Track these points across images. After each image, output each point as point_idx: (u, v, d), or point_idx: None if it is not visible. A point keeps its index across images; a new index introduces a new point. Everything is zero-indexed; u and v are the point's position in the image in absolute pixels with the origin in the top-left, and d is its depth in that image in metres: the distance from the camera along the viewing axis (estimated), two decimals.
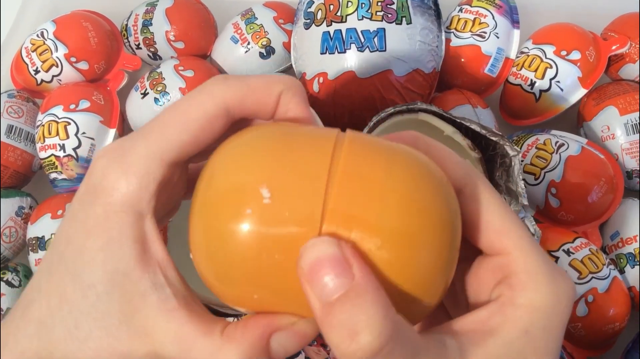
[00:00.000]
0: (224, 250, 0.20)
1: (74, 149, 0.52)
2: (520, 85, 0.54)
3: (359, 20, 0.49)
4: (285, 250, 0.20)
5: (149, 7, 0.58)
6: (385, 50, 0.49)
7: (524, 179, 0.42)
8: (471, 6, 0.55)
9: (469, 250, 0.24)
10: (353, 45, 0.49)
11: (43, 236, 0.49)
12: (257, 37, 0.56)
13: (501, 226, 0.23)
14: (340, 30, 0.49)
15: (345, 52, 0.49)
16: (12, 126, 0.54)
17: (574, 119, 0.56)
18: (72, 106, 0.52)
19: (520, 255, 0.22)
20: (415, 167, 0.21)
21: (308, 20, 0.52)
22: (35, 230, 0.50)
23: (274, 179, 0.20)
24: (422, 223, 0.20)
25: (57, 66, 0.55)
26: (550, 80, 0.52)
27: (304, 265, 0.19)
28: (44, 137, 0.52)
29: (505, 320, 0.22)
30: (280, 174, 0.20)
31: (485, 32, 0.53)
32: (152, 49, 0.58)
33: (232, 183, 0.21)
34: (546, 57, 0.53)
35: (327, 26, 0.50)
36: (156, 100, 0.53)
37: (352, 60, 0.49)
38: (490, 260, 0.23)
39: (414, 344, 0.20)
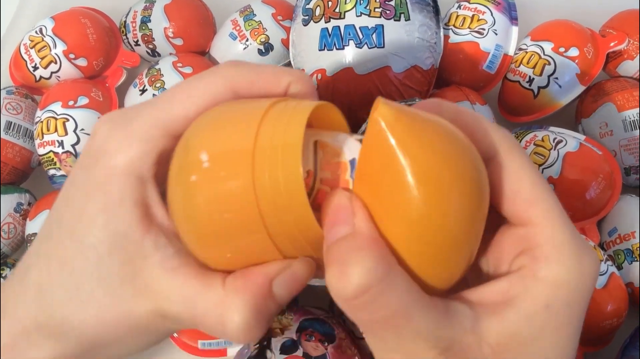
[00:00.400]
0: (185, 216, 0.22)
1: (73, 146, 0.52)
2: (518, 81, 0.54)
3: (357, 16, 0.49)
4: (232, 207, 0.21)
5: (148, 4, 0.58)
6: (383, 47, 0.49)
7: None
8: (469, 3, 0.55)
9: (492, 221, 0.23)
10: (351, 42, 0.49)
11: None
12: (256, 33, 0.56)
13: (530, 196, 0.22)
14: (339, 26, 0.50)
15: (343, 48, 0.49)
16: (11, 122, 0.54)
17: (572, 116, 0.56)
18: (71, 102, 0.53)
19: (547, 226, 0.21)
20: (442, 135, 0.20)
21: (306, 17, 0.52)
22: (34, 226, 0.50)
23: (211, 145, 0.21)
24: (451, 184, 0.20)
25: (55, 63, 0.55)
26: (549, 76, 0.52)
27: (322, 212, 0.21)
28: (42, 134, 0.52)
29: (525, 292, 0.21)
30: (216, 140, 0.21)
31: (483, 29, 0.53)
32: (150, 46, 0.58)
33: (182, 153, 0.22)
34: (544, 54, 0.53)
35: (326, 22, 0.50)
36: (155, 96, 0.53)
37: (350, 56, 0.49)
38: (514, 230, 0.23)
39: (414, 298, 0.20)
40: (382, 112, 0.20)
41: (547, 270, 0.21)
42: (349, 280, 0.19)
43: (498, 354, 0.20)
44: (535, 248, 0.21)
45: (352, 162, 0.22)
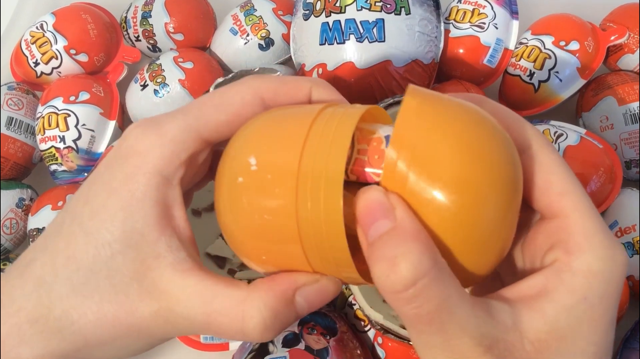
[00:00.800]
0: (228, 212, 0.22)
1: (74, 141, 0.52)
2: (519, 75, 0.54)
3: (357, 10, 0.49)
4: (272, 210, 0.21)
5: None
6: (384, 41, 0.49)
7: None
8: None
9: (524, 219, 0.24)
10: (352, 36, 0.49)
11: (44, 228, 0.49)
12: (256, 28, 0.56)
13: (562, 188, 0.22)
14: (339, 21, 0.50)
15: (344, 42, 0.49)
16: (12, 118, 0.54)
17: (573, 109, 0.56)
18: (72, 98, 0.53)
19: (579, 217, 0.22)
20: (478, 122, 0.21)
21: (307, 11, 0.52)
22: (35, 221, 0.50)
23: (259, 151, 0.22)
24: (486, 174, 0.20)
25: (56, 58, 0.56)
26: (549, 70, 0.52)
27: (357, 210, 0.21)
28: (44, 129, 0.52)
29: (562, 285, 0.21)
30: (264, 146, 0.22)
31: (484, 23, 0.53)
32: (151, 41, 0.58)
33: (232, 152, 0.23)
34: (545, 48, 0.53)
35: (326, 17, 0.50)
36: (156, 91, 0.53)
37: (351, 51, 0.49)
38: (546, 224, 0.23)
39: (458, 293, 0.20)
40: (412, 96, 0.21)
41: (581, 261, 0.21)
42: (398, 274, 0.19)
43: (539, 351, 0.21)
44: (568, 239, 0.22)
45: (387, 137, 0.22)
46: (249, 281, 0.46)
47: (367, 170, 0.22)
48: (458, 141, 0.20)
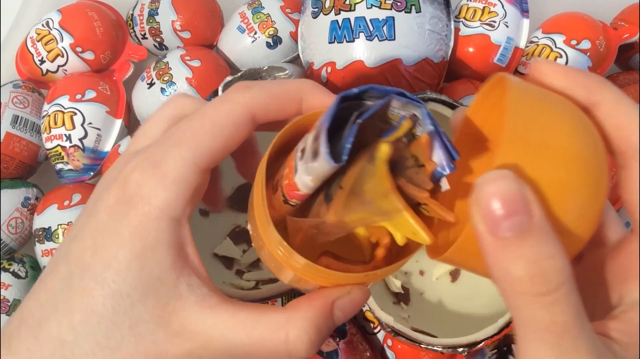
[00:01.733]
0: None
1: (80, 139, 0.51)
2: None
3: (367, 8, 0.49)
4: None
5: None
6: (394, 39, 0.48)
7: None
8: None
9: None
10: (362, 34, 0.49)
11: (49, 227, 0.49)
12: (264, 26, 0.55)
13: None
14: (349, 19, 0.49)
15: (353, 41, 0.49)
16: (18, 116, 0.53)
17: None
18: (78, 96, 0.52)
19: None
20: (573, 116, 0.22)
21: (316, 9, 0.51)
22: (41, 220, 0.50)
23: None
24: (590, 146, 0.21)
25: (62, 56, 0.55)
26: None
27: (481, 198, 0.19)
28: (49, 127, 0.52)
29: None
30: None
31: (494, 21, 0.53)
32: (158, 39, 0.58)
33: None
34: (556, 47, 0.52)
35: (336, 15, 0.50)
36: (162, 90, 0.53)
37: (360, 49, 0.49)
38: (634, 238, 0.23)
39: (584, 310, 0.20)
40: (511, 87, 0.21)
41: None
42: (545, 276, 0.19)
43: None
44: None
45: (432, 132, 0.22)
46: (257, 282, 0.45)
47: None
48: (564, 124, 0.21)
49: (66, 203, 0.50)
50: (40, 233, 0.50)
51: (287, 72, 0.46)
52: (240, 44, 0.56)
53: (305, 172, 0.22)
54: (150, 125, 0.26)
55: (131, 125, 0.57)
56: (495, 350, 0.42)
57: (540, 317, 0.19)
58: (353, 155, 0.22)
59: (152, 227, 0.22)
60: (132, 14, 0.59)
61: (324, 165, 0.21)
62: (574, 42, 0.52)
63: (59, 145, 0.51)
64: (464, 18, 0.54)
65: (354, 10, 0.49)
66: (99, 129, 0.52)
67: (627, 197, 0.22)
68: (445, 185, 0.22)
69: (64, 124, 0.51)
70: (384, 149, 0.22)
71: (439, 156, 0.22)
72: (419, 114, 0.22)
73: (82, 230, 0.24)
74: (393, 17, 0.48)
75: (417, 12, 0.49)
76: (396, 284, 0.46)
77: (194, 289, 0.23)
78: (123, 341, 0.22)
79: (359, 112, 0.21)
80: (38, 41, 0.55)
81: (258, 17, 0.56)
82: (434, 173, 0.22)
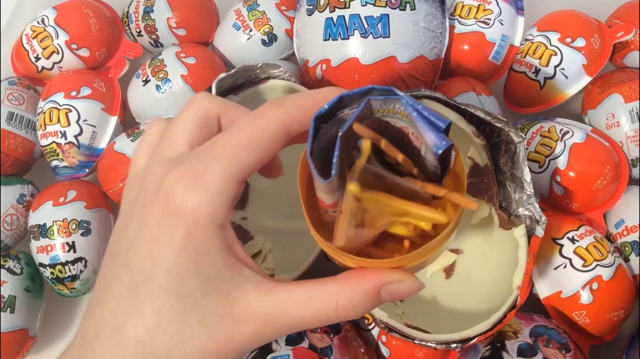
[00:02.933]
0: None
1: (76, 136, 0.51)
2: (524, 72, 0.53)
3: (362, 5, 0.49)
4: None
5: None
6: (388, 37, 0.48)
7: (529, 166, 0.41)
8: None
9: None
10: (356, 32, 0.49)
11: (45, 224, 0.49)
12: (259, 24, 0.55)
13: None
14: (344, 16, 0.49)
15: (348, 38, 0.49)
16: (13, 113, 0.53)
17: (579, 107, 0.56)
18: (74, 93, 0.52)
19: None
20: None
21: (311, 7, 0.51)
22: (36, 217, 0.50)
23: None
24: None
25: (57, 53, 0.55)
26: (555, 67, 0.52)
27: None
28: (45, 124, 0.52)
29: None
30: None
31: (489, 19, 0.53)
32: (153, 36, 0.58)
33: None
34: (551, 44, 0.52)
35: (330, 12, 0.50)
36: (158, 87, 0.53)
37: (355, 46, 0.49)
38: None
39: None
40: None
41: None
42: None
43: None
44: None
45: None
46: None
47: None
48: None
49: (61, 199, 0.50)
50: (36, 229, 0.50)
51: (281, 69, 0.46)
52: (236, 41, 0.56)
53: (316, 188, 0.24)
54: (179, 128, 0.28)
55: (126, 122, 0.57)
56: (489, 346, 0.42)
57: None
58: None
59: (203, 235, 0.24)
60: (128, 11, 0.59)
61: (320, 182, 0.22)
62: (568, 40, 0.52)
63: (54, 142, 0.51)
64: (459, 16, 0.54)
65: (349, 7, 0.49)
66: (94, 126, 0.52)
67: None
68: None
69: (59, 121, 0.51)
70: (356, 169, 0.23)
71: (429, 137, 0.22)
72: (400, 106, 0.23)
73: (136, 240, 0.26)
74: (388, 15, 0.49)
75: (411, 10, 0.49)
76: None
77: (249, 279, 0.25)
78: (194, 334, 0.25)
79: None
80: (33, 38, 0.55)
81: (253, 14, 0.56)
82: (435, 155, 0.23)
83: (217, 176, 0.24)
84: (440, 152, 0.22)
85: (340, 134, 0.22)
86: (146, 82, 0.54)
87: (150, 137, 0.29)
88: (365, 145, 0.23)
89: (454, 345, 0.40)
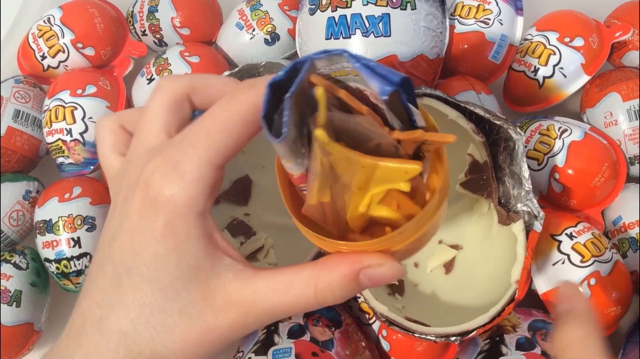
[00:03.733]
0: None
1: (81, 134, 0.52)
2: (523, 71, 0.54)
3: (363, 5, 0.49)
4: None
5: None
6: (389, 36, 0.49)
7: (527, 163, 0.42)
8: None
9: None
10: (358, 31, 0.49)
11: (50, 220, 0.50)
12: (262, 23, 0.56)
13: None
14: (345, 15, 0.50)
15: (350, 37, 0.50)
16: (20, 111, 0.54)
17: (577, 105, 0.57)
18: (79, 91, 0.53)
19: None
20: None
21: (313, 6, 0.52)
22: (42, 213, 0.51)
23: None
24: None
25: (63, 52, 0.56)
26: (554, 66, 0.53)
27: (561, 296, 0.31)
28: (50, 122, 0.52)
29: None
30: None
31: (489, 19, 0.54)
32: (157, 36, 0.59)
33: None
34: (550, 44, 0.53)
35: (332, 11, 0.50)
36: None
37: (356, 45, 0.50)
38: None
39: None
40: None
41: None
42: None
43: None
44: None
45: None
46: None
47: None
48: None
49: (67, 196, 0.50)
50: (41, 225, 0.50)
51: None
52: (239, 41, 0.57)
53: (280, 158, 0.24)
54: (152, 118, 0.27)
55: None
56: (488, 340, 0.43)
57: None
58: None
59: (181, 224, 0.24)
60: (132, 11, 0.60)
61: (275, 144, 0.22)
62: (567, 40, 0.53)
63: (59, 139, 0.52)
64: (459, 15, 0.55)
65: (350, 7, 0.50)
66: None
67: None
68: (420, 121, 0.23)
69: (64, 118, 0.52)
70: (319, 117, 0.22)
71: (374, 84, 0.21)
72: (347, 64, 0.22)
73: (118, 231, 0.26)
74: (389, 14, 0.49)
75: (412, 9, 0.50)
76: None
77: (229, 268, 0.25)
78: (176, 324, 0.25)
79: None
80: (39, 37, 0.56)
81: (256, 14, 0.56)
82: (383, 102, 0.22)
83: (192, 163, 0.24)
84: (385, 97, 0.21)
85: (287, 96, 0.21)
86: (151, 80, 0.54)
87: (108, 138, 0.30)
88: (319, 92, 0.22)
89: (453, 338, 0.40)
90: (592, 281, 0.44)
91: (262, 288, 0.25)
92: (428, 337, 0.41)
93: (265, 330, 0.43)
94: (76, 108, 0.52)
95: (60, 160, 0.53)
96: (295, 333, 0.42)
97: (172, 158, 0.25)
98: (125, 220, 0.25)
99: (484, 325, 0.40)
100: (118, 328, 0.25)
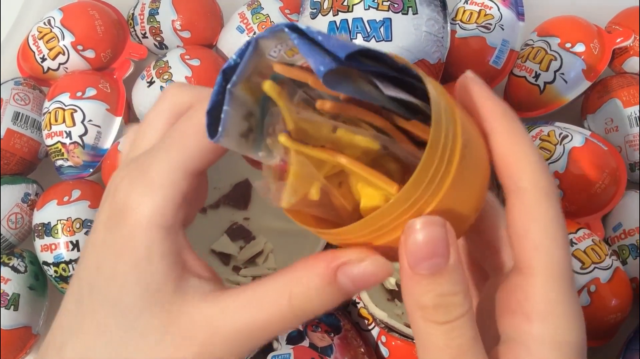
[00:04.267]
0: None
1: (80, 136, 0.52)
2: (524, 77, 0.54)
3: (365, 9, 0.49)
4: None
5: None
6: (391, 40, 0.49)
7: None
8: None
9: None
10: (359, 35, 0.49)
11: (49, 223, 0.50)
12: (264, 27, 0.56)
13: (538, 242, 0.22)
14: (347, 19, 0.50)
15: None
16: (19, 113, 0.54)
17: (578, 111, 0.57)
18: (79, 94, 0.53)
19: (544, 281, 0.22)
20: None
21: (314, 10, 0.52)
22: (41, 216, 0.50)
23: None
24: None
25: (63, 54, 0.56)
26: (555, 72, 0.53)
27: (409, 239, 0.20)
28: (50, 124, 0.52)
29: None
30: None
31: (490, 24, 0.54)
32: (158, 38, 0.58)
33: None
34: (551, 49, 0.53)
35: (334, 16, 0.50)
36: (162, 88, 0.53)
37: None
38: (508, 280, 0.23)
39: (479, 339, 0.21)
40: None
41: (543, 329, 0.21)
42: (448, 308, 0.21)
43: None
44: (530, 304, 0.22)
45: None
46: (253, 278, 0.46)
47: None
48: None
49: (66, 199, 0.50)
50: (40, 228, 0.50)
51: None
52: (240, 44, 0.57)
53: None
54: (148, 128, 0.25)
55: (130, 122, 0.58)
56: None
57: (438, 340, 0.21)
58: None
59: (142, 238, 0.22)
60: (133, 13, 0.60)
61: (209, 139, 0.20)
62: (568, 45, 0.53)
63: (59, 141, 0.52)
64: (460, 20, 0.55)
65: (352, 11, 0.50)
66: (99, 126, 0.53)
67: (508, 232, 0.23)
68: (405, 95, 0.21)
69: (64, 121, 0.52)
70: (285, 118, 0.20)
71: (311, 60, 0.18)
72: (287, 39, 0.19)
73: (86, 247, 0.23)
74: (390, 19, 0.49)
75: (414, 14, 0.50)
76: (390, 281, 0.47)
77: (196, 289, 0.22)
78: (135, 351, 0.22)
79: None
80: (40, 39, 0.56)
81: (257, 17, 0.56)
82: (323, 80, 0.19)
83: (161, 167, 0.22)
84: (323, 73, 0.18)
85: (228, 87, 0.19)
86: (151, 83, 0.54)
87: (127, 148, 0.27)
88: (266, 86, 0.20)
89: None
90: (592, 288, 0.44)
91: (229, 305, 0.22)
92: None
93: None
94: (76, 111, 0.52)
95: (59, 162, 0.53)
96: (294, 338, 0.42)
97: (142, 164, 0.22)
98: (93, 234, 0.23)
99: None
100: (75, 357, 0.23)
